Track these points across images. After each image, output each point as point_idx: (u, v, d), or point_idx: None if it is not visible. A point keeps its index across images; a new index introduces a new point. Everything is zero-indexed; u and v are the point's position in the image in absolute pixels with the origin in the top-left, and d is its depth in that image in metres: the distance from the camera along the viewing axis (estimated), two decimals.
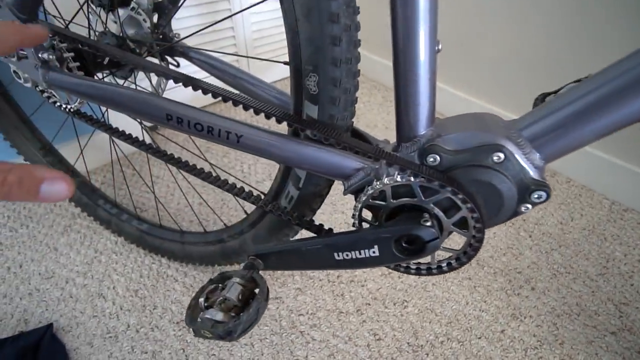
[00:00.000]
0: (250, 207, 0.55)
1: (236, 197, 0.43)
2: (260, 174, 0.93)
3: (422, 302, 0.67)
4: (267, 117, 0.32)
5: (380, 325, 0.63)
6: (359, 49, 0.33)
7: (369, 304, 0.66)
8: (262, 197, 0.44)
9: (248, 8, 0.48)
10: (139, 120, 0.53)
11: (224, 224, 0.59)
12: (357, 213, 0.35)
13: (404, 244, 0.33)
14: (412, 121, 0.32)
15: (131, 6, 0.50)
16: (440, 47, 0.29)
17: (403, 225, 0.31)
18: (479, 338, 0.62)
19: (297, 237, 0.43)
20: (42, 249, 0.74)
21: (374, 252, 0.33)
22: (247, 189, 0.42)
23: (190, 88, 0.34)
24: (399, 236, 0.32)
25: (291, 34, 0.32)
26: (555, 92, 0.35)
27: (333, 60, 0.31)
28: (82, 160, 0.72)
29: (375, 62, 1.38)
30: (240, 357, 0.58)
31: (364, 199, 0.34)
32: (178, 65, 0.57)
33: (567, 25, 0.84)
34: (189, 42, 0.58)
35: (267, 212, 0.43)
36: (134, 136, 0.47)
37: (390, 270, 0.72)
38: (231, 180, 0.51)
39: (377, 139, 0.40)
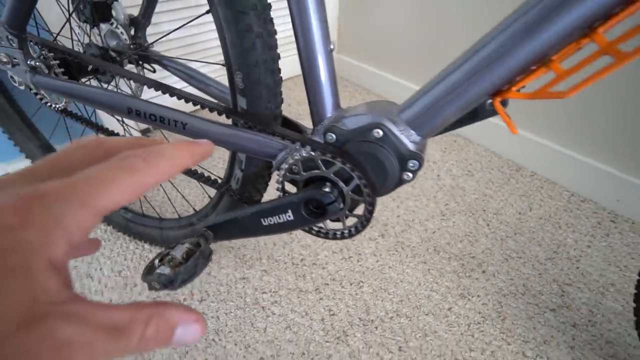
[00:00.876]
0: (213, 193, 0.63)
1: (199, 182, 0.51)
2: None
3: (377, 282, 0.73)
4: (211, 110, 0.40)
5: (336, 303, 0.69)
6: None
7: (327, 284, 0.72)
8: (218, 181, 0.51)
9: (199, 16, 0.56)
10: (117, 118, 0.61)
11: (193, 209, 0.67)
12: (280, 185, 0.42)
13: (312, 208, 0.39)
14: (319, 108, 0.39)
15: (111, 21, 0.59)
16: (333, 47, 0.37)
17: (309, 192, 0.38)
18: (427, 315, 0.67)
19: None
20: None
21: (289, 217, 0.40)
22: (210, 176, 0.50)
23: (157, 91, 0.42)
24: (305, 200, 0.39)
25: (222, 39, 0.40)
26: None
27: (252, 62, 0.38)
28: None
29: (355, 66, 1.46)
30: (207, 328, 0.64)
31: (282, 172, 0.41)
32: (154, 71, 0.66)
33: None
34: (175, 52, 0.67)
35: (222, 194, 0.50)
36: (120, 134, 0.55)
37: (350, 254, 0.78)
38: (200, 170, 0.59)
39: (306, 126, 0.48)
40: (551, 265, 0.76)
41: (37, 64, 0.48)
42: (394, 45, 1.27)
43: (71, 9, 0.56)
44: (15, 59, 0.48)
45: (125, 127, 0.79)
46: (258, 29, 0.37)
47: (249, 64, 0.38)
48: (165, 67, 0.64)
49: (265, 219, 0.42)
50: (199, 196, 0.92)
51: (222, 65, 0.44)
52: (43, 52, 0.51)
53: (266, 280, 0.73)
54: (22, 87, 0.53)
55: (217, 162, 1.05)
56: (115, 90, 0.59)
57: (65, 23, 0.53)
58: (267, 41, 0.38)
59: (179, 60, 0.62)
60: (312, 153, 0.37)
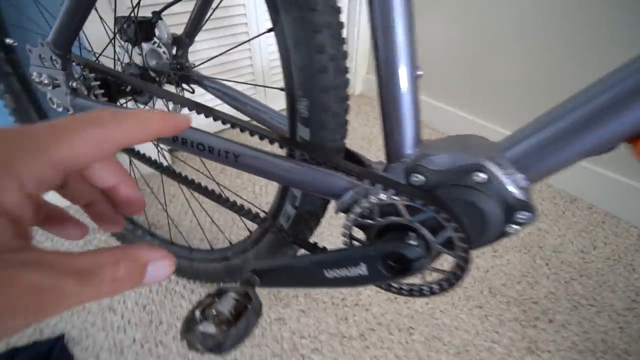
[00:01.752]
0: (254, 227, 0.57)
1: (240, 216, 0.45)
2: (271, 196, 0.96)
3: (429, 330, 0.64)
4: (261, 138, 0.35)
5: (384, 353, 0.60)
6: (348, 75, 0.35)
7: (373, 330, 0.64)
8: (263, 216, 0.46)
9: (254, 38, 0.52)
10: (155, 143, 0.57)
11: (230, 242, 0.61)
12: (347, 231, 0.36)
13: (391, 263, 0.33)
14: (398, 143, 0.33)
15: (153, 41, 0.55)
16: (420, 72, 0.31)
17: (389, 243, 0.32)
18: None
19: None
20: None
21: (362, 271, 0.34)
22: (251, 209, 0.44)
23: (199, 113, 0.37)
24: (385, 254, 0.32)
25: (284, 62, 0.35)
26: None
27: (321, 87, 0.33)
28: None
29: None
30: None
31: (353, 217, 0.34)
32: (193, 92, 0.62)
33: (575, 49, 0.84)
34: (208, 72, 0.63)
35: (267, 230, 0.44)
36: (152, 158, 0.51)
37: (395, 295, 0.70)
38: (240, 201, 0.53)
39: (371, 160, 0.42)
40: (632, 317, 0.65)
41: (78, 85, 0.44)
42: (437, 66, 1.21)
43: (115, 29, 0.53)
44: (56, 80, 0.44)
45: (160, 149, 0.75)
46: (331, 50, 0.32)
47: (318, 89, 0.33)
48: (206, 88, 0.60)
49: (330, 271, 0.35)
50: (228, 222, 0.87)
51: (281, 89, 0.38)
52: (84, 73, 0.48)
53: (304, 322, 0.65)
54: (60, 109, 0.49)
55: (254, 191, 1.00)
56: None
57: (108, 43, 0.50)
58: (340, 64, 0.33)
59: (222, 82, 0.58)
60: (396, 197, 0.31)
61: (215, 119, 0.36)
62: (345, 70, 0.34)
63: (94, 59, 0.51)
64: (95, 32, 0.55)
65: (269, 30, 0.35)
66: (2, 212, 0.12)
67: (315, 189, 0.36)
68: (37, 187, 0.13)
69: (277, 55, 1.26)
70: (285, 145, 0.35)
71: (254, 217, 0.44)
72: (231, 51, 1.12)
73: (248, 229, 0.57)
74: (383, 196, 0.31)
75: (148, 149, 0.73)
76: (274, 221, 0.47)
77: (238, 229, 0.85)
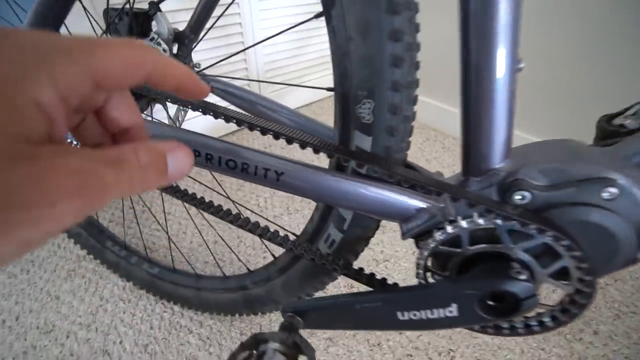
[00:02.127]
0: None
1: (262, 240, 0.37)
2: (277, 208, 0.88)
3: (471, 351, 0.58)
4: (316, 151, 0.27)
5: None
6: None
7: (411, 355, 0.57)
8: (294, 239, 0.38)
9: (263, 41, 0.45)
10: None
11: (247, 269, 0.53)
12: (422, 262, 0.29)
13: (489, 301, 0.26)
14: (486, 151, 0.27)
15: (150, 37, 0.47)
16: (522, 64, 0.25)
17: (491, 280, 0.25)
18: None
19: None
20: (42, 297, 0.67)
21: (451, 312, 0.27)
22: (274, 229, 0.37)
23: (227, 120, 0.29)
24: (486, 293, 0.25)
25: (339, 55, 0.28)
26: (621, 113, 0.30)
27: (393, 85, 0.26)
28: None
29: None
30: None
31: (432, 245, 0.28)
32: None
33: (577, 47, 0.82)
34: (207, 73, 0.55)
35: (300, 257, 0.37)
36: None
37: None
38: (252, 217, 0.45)
39: (430, 171, 0.35)
40: None
41: None
42: (440, 66, 1.17)
43: (103, 24, 0.44)
44: None
45: None
46: (409, 38, 0.25)
47: (389, 87, 0.26)
48: (213, 90, 0.52)
49: (406, 312, 0.28)
50: (233, 240, 0.78)
51: (328, 90, 0.31)
52: None
53: (333, 352, 0.58)
54: None
55: (258, 204, 0.91)
56: (152, 119, 0.46)
57: None
58: (415, 57, 0.27)
59: (232, 83, 0.50)
60: (499, 221, 0.24)
61: (251, 128, 0.28)
62: (419, 64, 0.27)
63: None
64: (81, 28, 0.46)
65: (319, 15, 0.28)
66: (39, 107, 0.11)
67: (379, 211, 0.29)
68: (70, 93, 0.12)
69: (273, 57, 1.18)
70: (347, 158, 0.27)
71: (282, 241, 0.36)
72: (226, 54, 1.03)
73: (272, 254, 0.50)
74: (481, 220, 0.25)
75: None
76: (310, 246, 0.39)
77: (246, 248, 0.77)
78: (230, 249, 0.68)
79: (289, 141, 0.27)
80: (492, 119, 0.25)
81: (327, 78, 1.43)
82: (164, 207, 0.72)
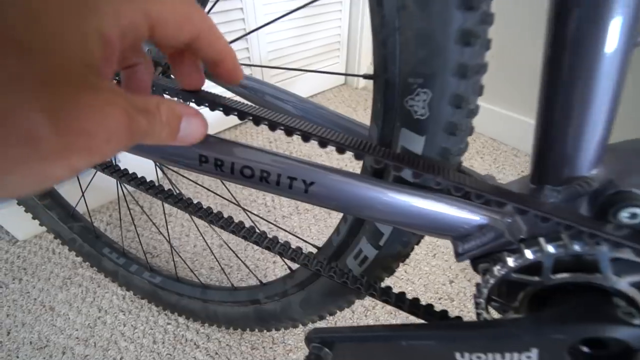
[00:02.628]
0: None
1: (282, 257, 0.32)
2: (286, 207, 0.82)
3: None
4: (357, 156, 0.21)
5: None
6: None
7: None
8: (315, 254, 0.33)
9: (266, 25, 0.38)
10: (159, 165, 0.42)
11: (259, 280, 0.48)
12: (485, 291, 0.24)
13: (583, 349, 0.21)
14: (574, 152, 0.21)
15: None
16: None
17: (590, 322, 0.19)
18: None
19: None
20: (35, 309, 0.62)
21: (529, 358, 0.21)
22: (293, 242, 0.31)
23: (242, 118, 0.23)
24: (582, 339, 0.20)
25: (386, 32, 0.21)
26: None
27: (460, 69, 0.20)
28: (85, 201, 0.61)
29: None
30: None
31: (501, 272, 0.22)
32: None
33: None
34: None
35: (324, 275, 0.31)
36: (147, 180, 0.36)
37: None
38: (270, 231, 0.40)
39: (480, 174, 0.29)
40: None
41: None
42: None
43: None
44: None
45: (157, 167, 0.60)
46: (485, 6, 0.19)
47: (453, 73, 0.20)
48: (210, 78, 0.45)
49: (468, 354, 0.23)
50: (240, 243, 0.73)
51: (368, 78, 0.25)
52: None
53: None
54: None
55: (266, 204, 0.86)
56: None
57: None
58: (487, 32, 0.20)
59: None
60: (604, 248, 0.19)
61: (272, 127, 0.22)
62: (490, 43, 0.21)
63: None
64: None
65: None
66: (103, 39, 0.12)
67: (433, 227, 0.24)
68: (128, 31, 0.13)
69: (277, 46, 1.11)
70: (391, 161, 0.21)
71: (299, 257, 0.31)
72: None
73: (289, 267, 0.44)
74: (576, 245, 0.19)
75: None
76: (334, 262, 0.34)
77: (254, 252, 0.71)
78: (237, 255, 0.62)
79: (323, 143, 0.21)
80: (589, 109, 0.19)
81: (335, 67, 1.35)
82: (164, 209, 0.67)
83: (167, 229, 0.75)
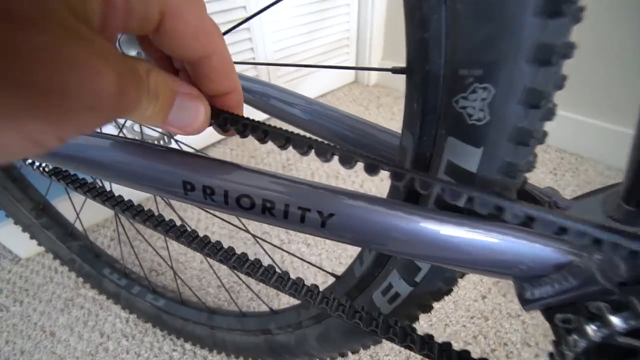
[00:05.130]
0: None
1: (291, 294, 0.26)
2: None
3: None
4: (398, 178, 0.15)
5: None
6: None
7: None
8: (331, 285, 0.27)
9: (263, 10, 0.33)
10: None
11: (269, 308, 0.42)
12: (571, 356, 0.17)
13: None
14: None
15: None
16: None
17: None
18: None
19: None
20: (36, 334, 0.58)
21: None
22: (308, 273, 0.25)
23: (243, 135, 0.18)
24: None
25: (425, 9, 0.16)
26: None
27: (540, 51, 0.14)
28: (80, 221, 0.57)
29: None
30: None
31: (600, 335, 0.16)
32: None
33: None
34: None
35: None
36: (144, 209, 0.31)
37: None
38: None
39: (541, 189, 0.23)
40: None
41: None
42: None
43: None
44: None
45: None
46: None
47: (528, 59, 0.14)
48: None
49: None
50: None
51: (398, 72, 0.19)
52: None
53: None
54: None
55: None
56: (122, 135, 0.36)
57: None
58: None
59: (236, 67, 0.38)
60: None
61: (285, 143, 0.17)
62: (582, 12, 0.15)
63: None
64: None
65: None
66: None
67: (491, 267, 0.18)
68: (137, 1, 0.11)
69: (284, 45, 1.05)
70: (427, 184, 0.15)
71: (331, 308, 0.25)
72: (230, 43, 0.91)
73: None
74: None
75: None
76: (358, 298, 0.28)
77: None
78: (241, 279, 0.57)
79: (346, 160, 0.15)
80: None
81: (345, 65, 1.29)
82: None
83: (168, 249, 0.70)
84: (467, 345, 0.52)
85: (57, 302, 0.63)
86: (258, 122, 0.17)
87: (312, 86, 1.23)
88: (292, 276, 0.26)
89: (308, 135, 0.16)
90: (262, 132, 0.16)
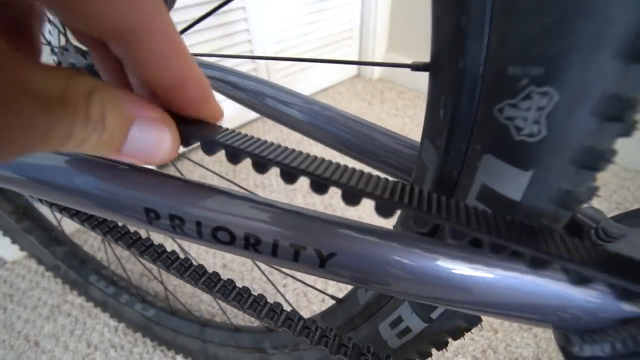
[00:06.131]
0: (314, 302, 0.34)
1: (288, 329, 0.22)
2: None
3: None
4: (418, 223, 0.11)
5: None
6: None
7: None
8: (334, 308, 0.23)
9: None
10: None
11: (265, 327, 0.39)
12: None
13: None
14: None
15: None
16: None
17: None
18: None
19: None
20: (19, 344, 0.55)
21: None
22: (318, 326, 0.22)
23: (235, 161, 0.14)
24: None
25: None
26: None
27: (630, 42, 0.10)
28: (61, 228, 0.54)
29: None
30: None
31: None
32: None
33: None
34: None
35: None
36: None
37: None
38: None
39: (584, 211, 0.19)
40: None
41: None
42: None
43: None
44: None
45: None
46: None
47: (614, 53, 0.10)
48: None
49: None
50: (246, 267, 0.64)
51: (414, 68, 0.15)
52: None
53: None
54: None
55: None
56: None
57: None
58: None
59: (226, 67, 0.34)
60: None
61: (292, 176, 0.13)
62: None
63: None
64: None
65: None
66: None
67: (526, 314, 0.14)
68: None
69: (283, 37, 1.00)
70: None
71: (329, 346, 0.21)
72: (227, 35, 0.86)
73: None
74: None
75: None
76: (361, 329, 0.24)
77: (260, 275, 0.62)
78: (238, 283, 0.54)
79: (349, 197, 0.11)
80: None
81: (347, 58, 1.24)
82: None
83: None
84: None
85: (43, 309, 0.60)
86: (243, 146, 0.12)
87: (312, 80, 1.18)
88: (290, 298, 0.22)
89: (306, 157, 0.12)
90: (251, 158, 0.12)
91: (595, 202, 0.64)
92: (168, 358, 0.52)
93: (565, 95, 0.11)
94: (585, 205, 0.19)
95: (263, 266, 0.53)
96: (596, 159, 0.12)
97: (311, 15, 1.04)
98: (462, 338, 0.22)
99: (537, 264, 0.11)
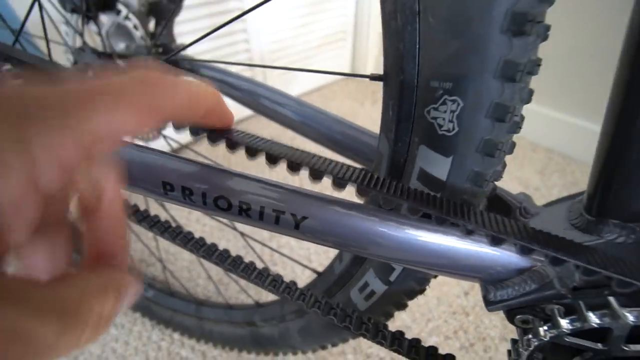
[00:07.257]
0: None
1: (273, 291, 0.27)
2: None
3: None
4: (361, 192, 0.16)
5: None
6: None
7: None
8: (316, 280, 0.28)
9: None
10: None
11: (255, 302, 0.43)
12: (525, 355, 0.18)
13: None
14: None
15: (117, 10, 0.35)
16: None
17: None
18: None
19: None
20: None
21: None
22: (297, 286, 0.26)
23: (232, 149, 0.18)
24: None
25: (400, 20, 0.16)
26: None
27: (508, 68, 0.14)
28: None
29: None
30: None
31: (550, 335, 0.17)
32: None
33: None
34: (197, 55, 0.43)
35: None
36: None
37: (471, 341, 0.54)
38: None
39: (514, 195, 0.24)
40: None
41: None
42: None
43: None
44: None
45: None
46: None
47: (496, 74, 0.15)
48: (204, 79, 0.40)
49: None
50: (240, 250, 0.68)
51: (376, 79, 0.20)
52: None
53: None
54: None
55: None
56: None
57: (25, 18, 0.30)
58: (544, 16, 0.15)
59: (225, 69, 0.38)
60: None
61: (271, 160, 0.17)
62: (548, 30, 0.15)
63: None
64: (24, 3, 0.35)
65: None
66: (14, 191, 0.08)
67: (457, 269, 0.19)
68: (54, 178, 0.09)
69: (279, 37, 1.04)
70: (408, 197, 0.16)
71: (308, 303, 0.26)
72: (224, 35, 0.90)
73: None
74: None
75: None
76: (336, 295, 0.29)
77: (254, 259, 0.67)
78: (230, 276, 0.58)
79: (315, 174, 0.16)
80: None
81: (341, 58, 1.28)
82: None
83: (157, 240, 0.70)
84: (447, 339, 0.54)
85: None
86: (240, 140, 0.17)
87: (307, 80, 1.22)
88: (280, 271, 0.27)
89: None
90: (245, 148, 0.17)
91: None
92: (165, 335, 0.56)
93: (467, 102, 0.15)
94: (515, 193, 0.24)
95: (256, 247, 0.58)
96: (494, 149, 0.17)
97: (306, 17, 1.08)
98: (418, 299, 0.27)
99: (468, 233, 0.16)
